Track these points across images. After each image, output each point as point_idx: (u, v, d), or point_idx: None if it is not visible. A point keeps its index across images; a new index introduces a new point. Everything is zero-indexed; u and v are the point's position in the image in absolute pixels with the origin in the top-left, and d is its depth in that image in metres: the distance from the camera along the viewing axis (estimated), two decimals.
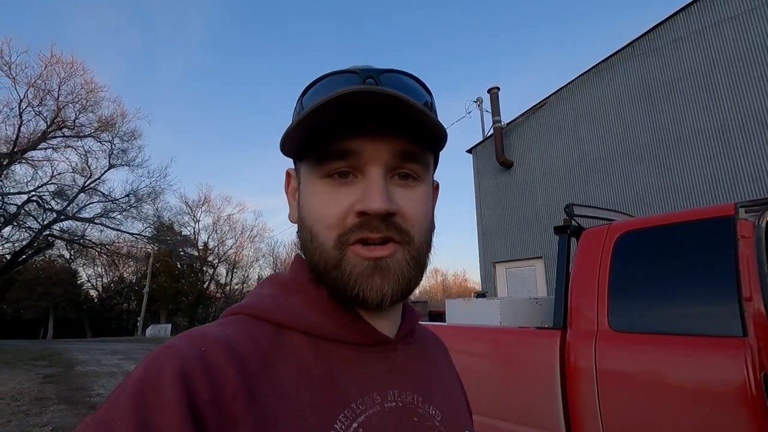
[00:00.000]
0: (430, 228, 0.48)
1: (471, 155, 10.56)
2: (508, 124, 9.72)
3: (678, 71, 7.55)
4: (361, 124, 0.42)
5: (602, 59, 8.44)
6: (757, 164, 6.58)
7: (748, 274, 1.71)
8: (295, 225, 0.51)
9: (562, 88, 9.02)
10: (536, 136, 9.37)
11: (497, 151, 9.50)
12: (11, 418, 4.81)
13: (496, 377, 2.32)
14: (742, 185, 6.68)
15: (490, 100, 9.91)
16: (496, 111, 9.69)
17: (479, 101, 10.25)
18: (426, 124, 0.43)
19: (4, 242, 17.69)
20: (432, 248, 0.48)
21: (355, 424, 0.41)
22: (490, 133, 9.91)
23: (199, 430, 0.34)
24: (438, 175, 0.55)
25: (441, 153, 0.53)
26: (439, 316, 4.34)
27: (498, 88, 9.87)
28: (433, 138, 0.46)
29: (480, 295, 4.17)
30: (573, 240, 2.46)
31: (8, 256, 18.43)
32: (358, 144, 0.43)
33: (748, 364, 1.57)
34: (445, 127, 0.46)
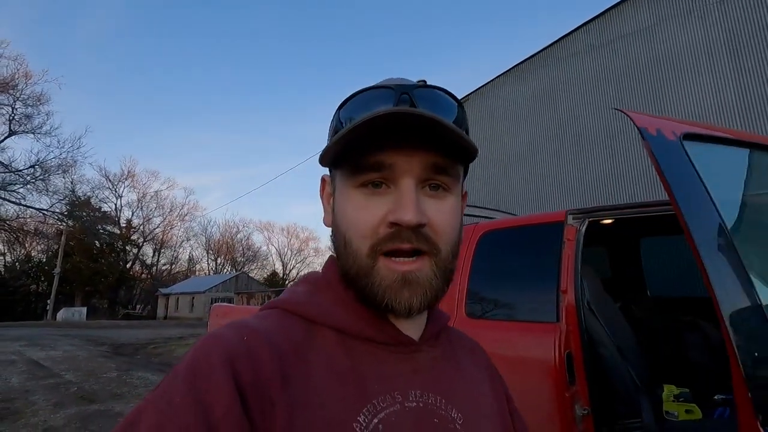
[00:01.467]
0: (458, 239, 0.50)
1: None
2: None
3: (576, 80, 8.36)
4: (397, 140, 0.45)
5: (516, 63, 9.07)
6: (638, 165, 7.48)
7: (567, 271, 2.08)
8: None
9: (483, 86, 9.56)
10: None
11: None
12: None
13: None
14: (626, 183, 7.57)
15: None
16: None
17: None
18: (457, 142, 0.46)
19: None
20: (457, 257, 0.50)
21: (375, 420, 0.43)
22: None
23: (244, 407, 0.38)
24: None
25: None
26: None
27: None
28: (464, 153, 0.48)
29: None
30: None
31: None
32: (392, 157, 0.45)
33: (556, 344, 1.94)
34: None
